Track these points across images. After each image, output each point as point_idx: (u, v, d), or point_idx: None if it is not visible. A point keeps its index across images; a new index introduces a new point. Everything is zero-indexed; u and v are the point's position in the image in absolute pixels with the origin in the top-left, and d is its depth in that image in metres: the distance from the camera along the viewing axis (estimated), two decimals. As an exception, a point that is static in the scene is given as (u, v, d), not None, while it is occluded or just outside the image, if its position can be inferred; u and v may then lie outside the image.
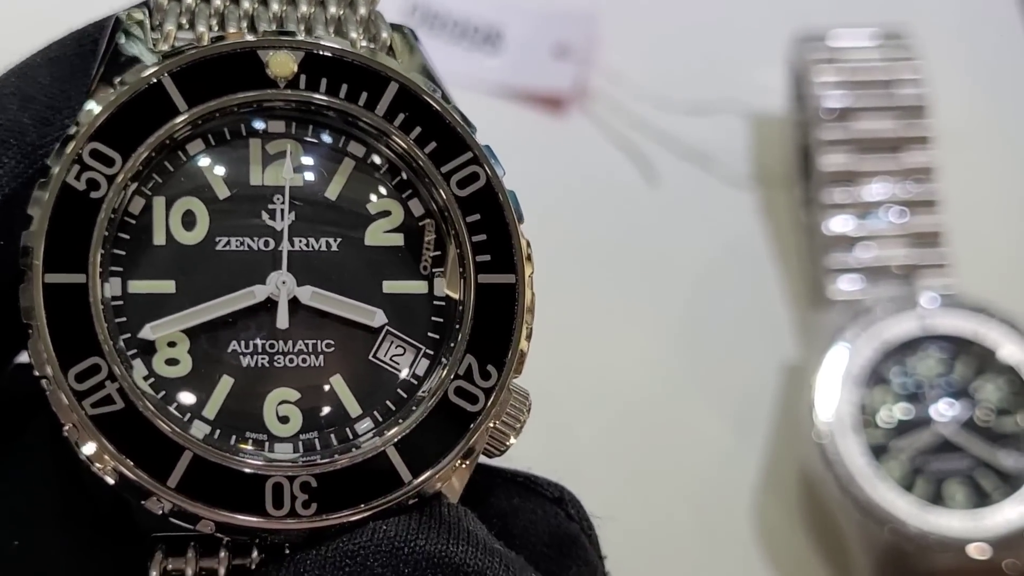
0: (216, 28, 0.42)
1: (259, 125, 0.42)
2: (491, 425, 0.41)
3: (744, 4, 1.13)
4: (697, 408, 0.98)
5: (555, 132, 1.05)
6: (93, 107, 0.40)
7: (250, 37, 0.41)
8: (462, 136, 0.42)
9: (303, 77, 0.41)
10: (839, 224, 0.99)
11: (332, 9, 0.43)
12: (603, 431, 0.97)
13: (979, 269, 1.00)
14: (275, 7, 0.43)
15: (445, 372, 0.41)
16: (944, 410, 0.93)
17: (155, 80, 0.40)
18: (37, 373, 0.39)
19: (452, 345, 0.41)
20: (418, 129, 0.42)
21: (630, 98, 1.07)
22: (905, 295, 0.96)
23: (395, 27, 0.44)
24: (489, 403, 0.41)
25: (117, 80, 0.40)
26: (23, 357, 0.42)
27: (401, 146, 0.42)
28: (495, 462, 0.44)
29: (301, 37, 0.42)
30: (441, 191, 0.42)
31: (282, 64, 0.41)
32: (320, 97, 0.42)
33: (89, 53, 0.42)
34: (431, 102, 0.42)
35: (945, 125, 1.02)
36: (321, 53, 0.42)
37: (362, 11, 0.44)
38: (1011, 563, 0.89)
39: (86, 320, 0.39)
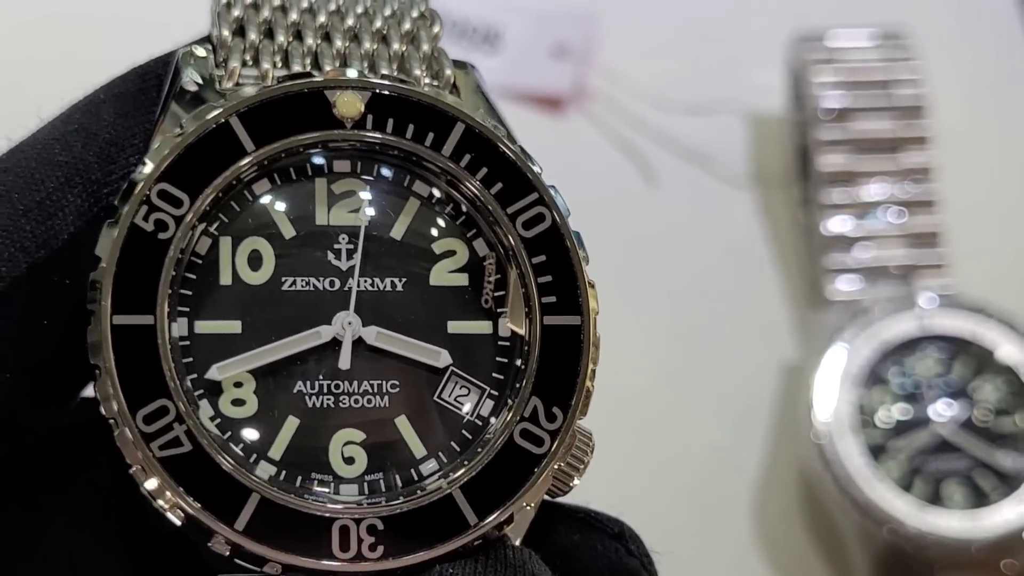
0: (280, 65, 0.42)
1: (325, 165, 0.42)
2: (556, 467, 0.41)
3: (743, 4, 1.13)
4: (696, 408, 0.99)
5: (554, 132, 1.05)
6: (160, 147, 0.40)
7: (317, 77, 0.41)
8: (528, 177, 0.42)
9: (370, 117, 0.41)
10: (837, 224, 0.99)
11: (395, 46, 0.43)
12: (602, 430, 0.97)
13: (977, 269, 1.00)
14: (338, 44, 0.43)
15: (510, 414, 0.41)
16: (942, 410, 0.93)
17: (223, 120, 0.40)
18: (104, 413, 0.39)
19: (517, 386, 0.41)
20: (484, 170, 0.42)
21: (629, 98, 1.07)
22: (903, 295, 0.96)
23: (458, 64, 0.45)
24: (554, 446, 0.41)
25: (184, 120, 0.40)
26: (89, 390, 0.42)
27: (467, 187, 0.42)
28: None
29: (368, 77, 0.42)
30: (507, 232, 0.42)
31: (349, 104, 0.41)
32: (387, 138, 0.42)
33: (153, 89, 0.42)
34: (497, 143, 0.42)
35: (943, 125, 1.02)
36: (387, 93, 0.42)
37: (425, 48, 0.44)
38: (1009, 563, 0.89)
39: (154, 361, 0.38)
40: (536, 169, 0.42)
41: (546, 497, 0.42)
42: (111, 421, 0.39)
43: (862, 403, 0.92)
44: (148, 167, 0.39)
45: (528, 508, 0.41)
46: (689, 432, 0.98)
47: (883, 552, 0.90)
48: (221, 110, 0.40)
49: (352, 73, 0.42)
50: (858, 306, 0.96)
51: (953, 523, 0.89)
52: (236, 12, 0.43)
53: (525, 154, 0.43)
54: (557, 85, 1.07)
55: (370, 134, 0.41)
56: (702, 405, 0.99)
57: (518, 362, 0.42)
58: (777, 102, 1.07)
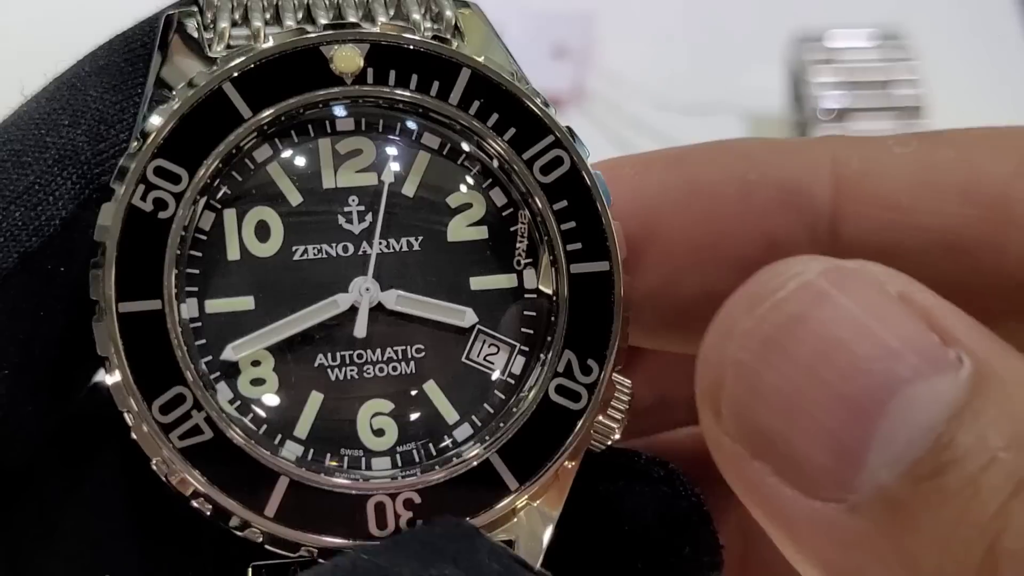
0: (271, 21, 0.40)
1: (328, 124, 0.40)
2: (595, 421, 0.39)
3: (742, 5, 1.14)
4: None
5: (553, 132, 1.05)
6: (153, 121, 0.38)
7: (311, 33, 0.39)
8: (542, 119, 0.40)
9: (370, 71, 0.39)
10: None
11: None
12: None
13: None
14: None
15: (544, 370, 0.39)
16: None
17: (216, 87, 0.38)
18: (118, 406, 0.37)
19: (549, 340, 0.39)
20: (495, 116, 0.40)
21: (628, 98, 1.07)
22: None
23: (459, 3, 0.42)
24: (592, 400, 0.39)
25: (176, 89, 0.38)
26: (98, 376, 0.40)
27: (479, 135, 0.40)
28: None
29: (365, 27, 0.40)
30: (524, 179, 0.40)
31: (348, 59, 0.39)
32: (392, 91, 0.39)
33: (140, 59, 0.40)
34: (507, 86, 0.40)
35: (942, 125, 1.02)
36: (387, 44, 0.39)
37: None
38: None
39: (165, 347, 0.37)
40: (550, 110, 0.40)
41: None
42: (126, 414, 0.37)
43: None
44: (141, 144, 0.37)
45: (570, 467, 0.39)
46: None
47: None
48: (212, 76, 0.38)
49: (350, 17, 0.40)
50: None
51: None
52: None
53: (538, 95, 0.40)
54: (556, 85, 1.07)
55: (373, 88, 0.39)
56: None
57: (548, 315, 0.40)
58: (776, 102, 1.07)
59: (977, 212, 0.39)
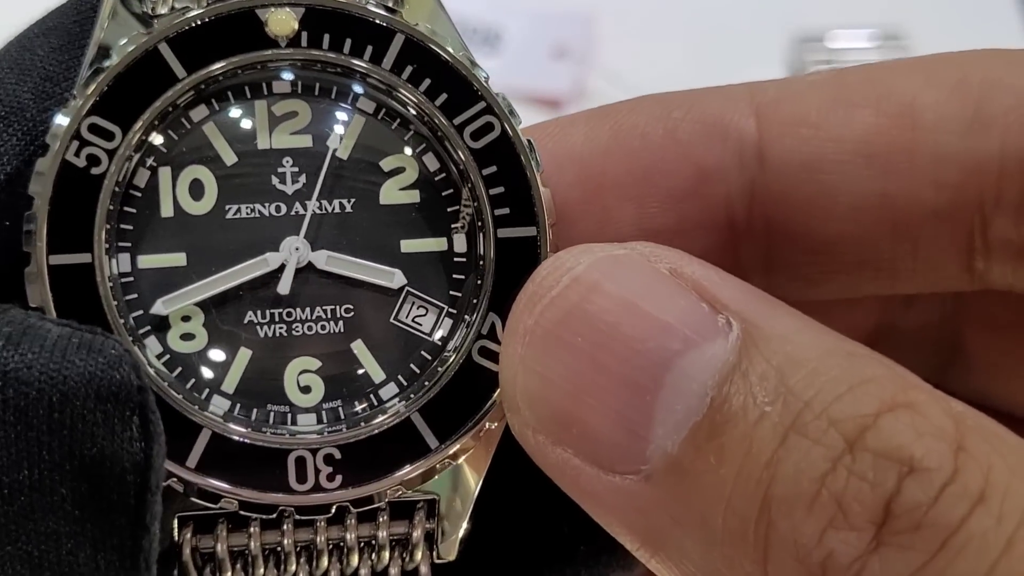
0: None
1: (264, 87, 0.40)
2: None
3: (743, 6, 1.13)
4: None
5: (553, 133, 1.05)
6: (89, 79, 0.38)
7: None
8: (474, 86, 0.40)
9: (304, 34, 0.40)
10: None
11: None
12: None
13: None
14: None
15: (468, 331, 0.40)
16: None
17: (152, 47, 0.39)
18: None
19: (474, 302, 0.40)
20: (427, 81, 0.40)
21: (628, 98, 1.07)
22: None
23: None
24: None
25: (113, 49, 0.39)
26: None
27: (411, 99, 0.40)
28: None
29: None
30: (455, 144, 0.40)
31: (282, 23, 0.40)
32: (325, 54, 0.40)
33: (87, 20, 0.40)
34: (440, 52, 0.40)
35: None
36: (321, 7, 0.40)
37: None
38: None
39: (94, 300, 0.37)
40: (482, 76, 0.41)
41: None
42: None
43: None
44: (76, 101, 0.38)
45: (493, 428, 0.40)
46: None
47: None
48: (148, 37, 0.38)
49: None
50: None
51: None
52: None
53: (471, 62, 0.41)
54: (556, 86, 1.07)
55: (305, 51, 0.40)
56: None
57: (475, 278, 0.40)
58: (777, 103, 1.07)
59: (888, 120, 0.40)
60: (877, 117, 0.40)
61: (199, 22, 0.39)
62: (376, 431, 0.39)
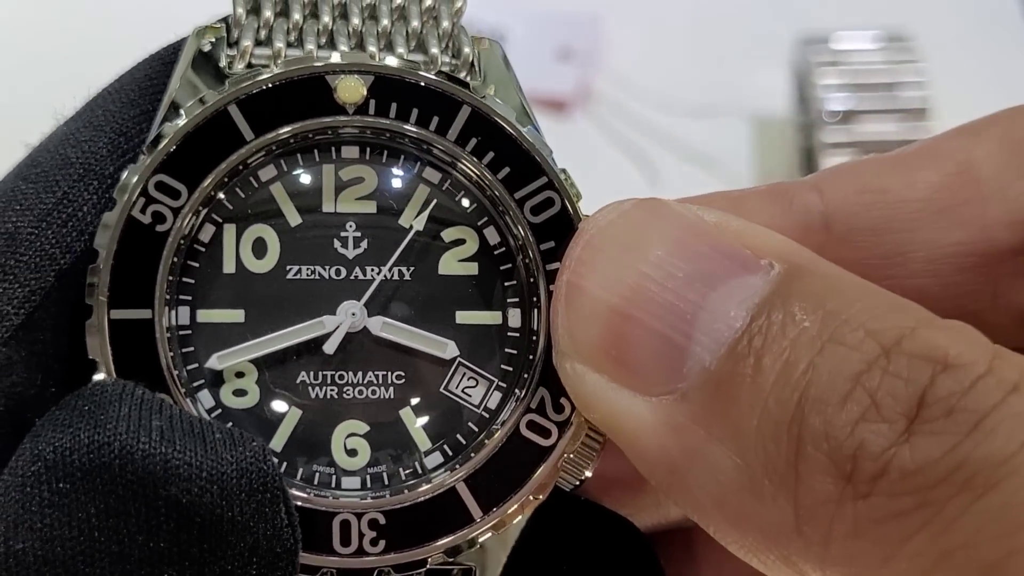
0: (294, 43, 0.41)
1: (332, 151, 0.41)
2: (565, 458, 0.40)
3: (747, 7, 1.14)
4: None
5: (558, 134, 1.04)
6: (158, 137, 0.39)
7: (318, 63, 0.40)
8: (536, 160, 0.41)
9: (372, 102, 0.40)
10: (842, 226, 0.99)
11: (414, 23, 0.42)
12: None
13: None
14: (355, 21, 0.41)
15: (517, 406, 0.40)
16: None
17: (221, 108, 0.39)
18: None
19: (525, 377, 0.41)
20: (491, 154, 0.41)
21: (633, 100, 1.07)
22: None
23: (479, 40, 0.43)
24: (562, 437, 0.40)
25: (184, 108, 0.39)
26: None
27: (474, 172, 0.41)
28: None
29: (370, 59, 0.41)
30: (516, 219, 0.41)
31: (351, 90, 0.40)
32: (392, 123, 0.41)
33: (160, 75, 0.41)
34: (505, 126, 0.41)
35: (948, 127, 1.02)
36: (390, 76, 0.40)
37: (445, 24, 0.42)
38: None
39: (151, 354, 0.38)
40: (545, 151, 0.41)
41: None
42: None
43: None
44: (145, 158, 0.39)
45: (535, 500, 0.40)
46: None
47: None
48: (220, 98, 0.39)
49: (353, 56, 0.41)
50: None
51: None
52: None
53: (536, 137, 0.41)
54: (561, 87, 1.08)
55: (371, 120, 0.40)
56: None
57: (527, 353, 0.41)
58: (782, 104, 1.07)
59: (950, 177, 0.42)
60: (940, 176, 0.42)
61: (269, 85, 0.40)
62: (421, 499, 0.39)
